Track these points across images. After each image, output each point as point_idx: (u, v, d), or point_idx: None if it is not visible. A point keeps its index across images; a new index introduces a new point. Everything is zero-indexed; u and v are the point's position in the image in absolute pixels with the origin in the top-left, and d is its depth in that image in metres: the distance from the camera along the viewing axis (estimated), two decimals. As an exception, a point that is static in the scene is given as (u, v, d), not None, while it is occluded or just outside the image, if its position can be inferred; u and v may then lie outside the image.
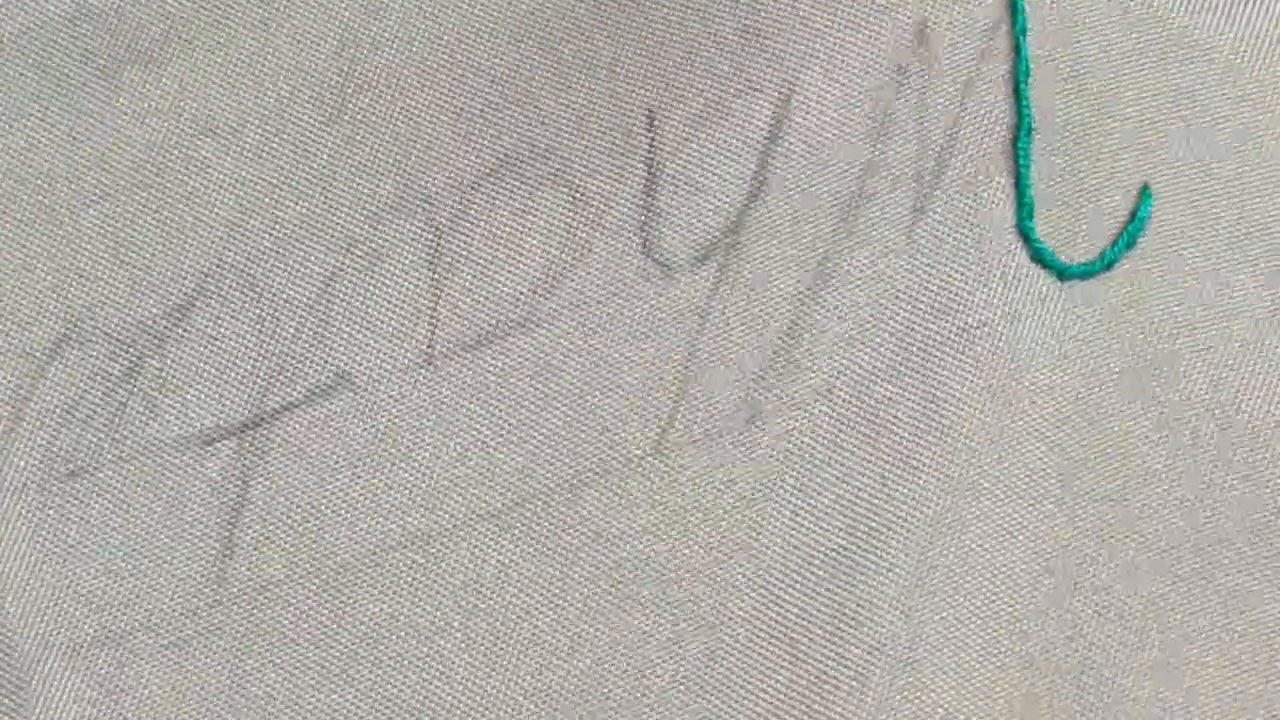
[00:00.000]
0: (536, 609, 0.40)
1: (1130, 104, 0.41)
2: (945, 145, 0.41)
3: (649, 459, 0.41)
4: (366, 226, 0.42)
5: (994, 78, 0.41)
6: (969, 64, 0.41)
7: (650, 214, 0.41)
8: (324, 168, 0.42)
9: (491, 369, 0.41)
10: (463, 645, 0.40)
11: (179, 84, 0.42)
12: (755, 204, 0.41)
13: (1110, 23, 0.41)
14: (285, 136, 0.42)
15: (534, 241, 0.41)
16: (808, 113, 0.41)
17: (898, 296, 0.41)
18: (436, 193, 0.42)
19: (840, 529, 0.40)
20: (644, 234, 0.41)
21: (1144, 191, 0.41)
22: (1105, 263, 0.41)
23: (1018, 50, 0.41)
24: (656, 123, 0.42)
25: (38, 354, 0.41)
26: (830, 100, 0.41)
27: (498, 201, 0.42)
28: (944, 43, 0.41)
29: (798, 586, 0.40)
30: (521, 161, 0.42)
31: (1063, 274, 0.41)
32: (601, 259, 0.41)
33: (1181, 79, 0.42)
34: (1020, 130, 0.41)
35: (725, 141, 0.41)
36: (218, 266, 0.42)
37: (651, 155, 0.42)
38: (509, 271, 0.41)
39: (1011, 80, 0.41)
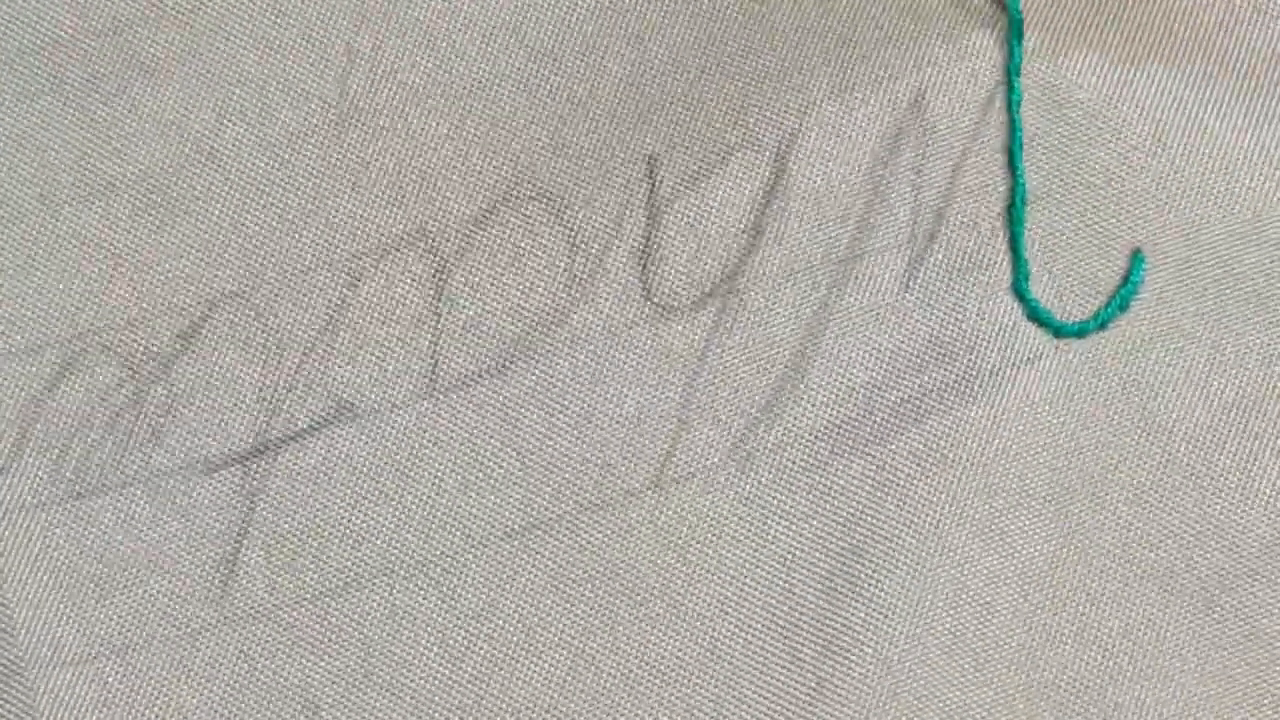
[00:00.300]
0: (535, 633, 0.41)
1: (1123, 175, 0.43)
2: (940, 209, 0.43)
3: (647, 492, 0.42)
4: (370, 260, 0.43)
5: (989, 147, 0.43)
6: (964, 133, 0.43)
7: (650, 259, 0.43)
8: (327, 200, 0.43)
9: (492, 402, 0.42)
10: (463, 667, 0.41)
11: (183, 106, 0.43)
12: (753, 253, 0.43)
13: (1101, 99, 0.43)
14: (289, 165, 0.43)
15: (535, 280, 0.43)
16: (805, 170, 0.43)
17: (893, 346, 0.42)
18: (440, 229, 0.43)
19: (835, 560, 0.41)
20: (644, 278, 0.43)
21: (1136, 256, 0.42)
22: (1099, 323, 0.42)
23: (1012, 121, 0.43)
24: (656, 170, 0.43)
25: (45, 376, 0.42)
26: (827, 159, 0.43)
27: (500, 239, 0.43)
28: (940, 111, 0.43)
29: (792, 620, 0.41)
30: (523, 201, 0.43)
31: (1059, 332, 0.42)
32: (602, 300, 0.42)
33: (1173, 152, 0.43)
34: (1015, 197, 0.43)
35: (724, 192, 0.43)
36: (225, 294, 0.43)
37: (652, 201, 0.43)
38: (511, 308, 0.42)
39: (1006, 150, 0.43)
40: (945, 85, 0.43)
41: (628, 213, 0.43)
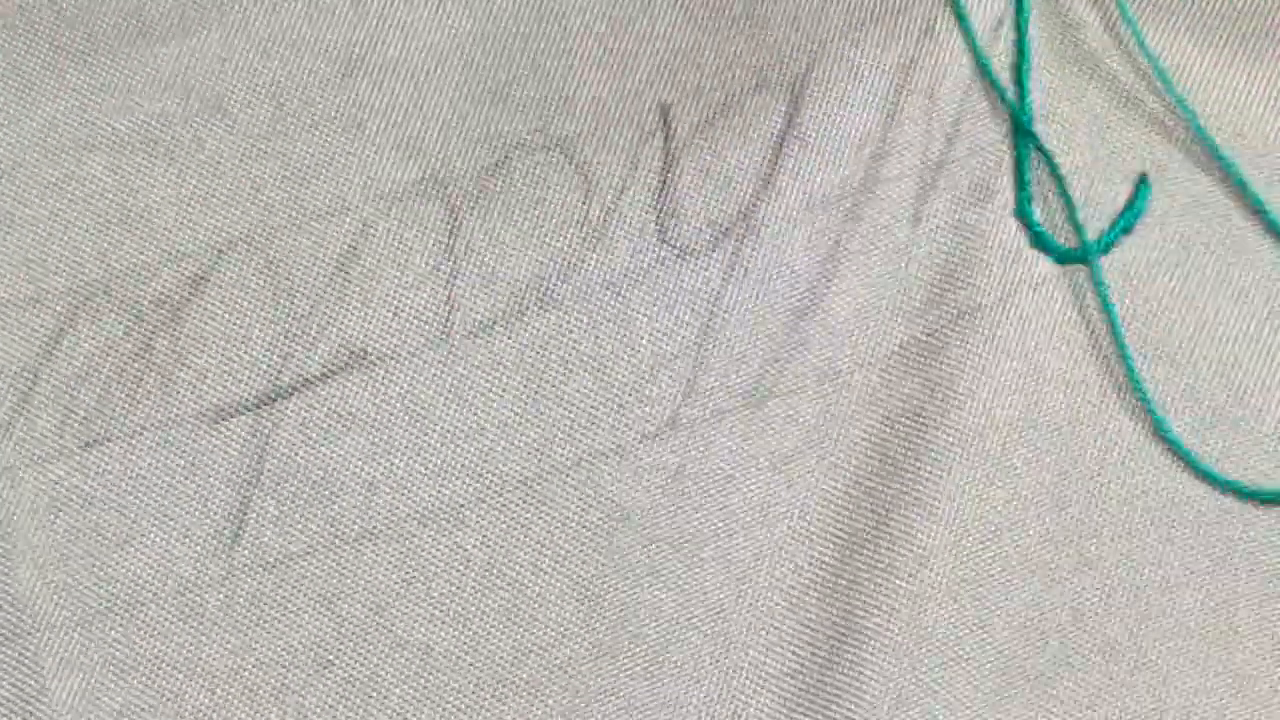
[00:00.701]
0: (550, 581, 0.41)
1: (1131, 100, 0.43)
2: (949, 135, 0.42)
3: (663, 434, 0.41)
4: (381, 207, 0.42)
5: (997, 67, 0.42)
6: (973, 58, 0.43)
7: (665, 202, 0.42)
8: (337, 149, 0.42)
9: (507, 349, 0.41)
10: (475, 617, 0.40)
11: (191, 58, 0.43)
12: (768, 192, 0.42)
13: (1112, 23, 0.43)
14: (298, 115, 0.42)
15: (550, 226, 0.42)
16: (819, 107, 0.42)
17: (903, 280, 0.42)
18: (452, 175, 0.42)
19: (848, 505, 0.41)
20: (659, 221, 0.42)
21: (1142, 180, 0.42)
22: (1103, 246, 0.42)
23: (1021, 46, 0.43)
24: (671, 118, 0.43)
25: (51, 327, 0.41)
26: (841, 95, 0.42)
27: (513, 186, 0.42)
28: (950, 38, 0.43)
29: (807, 560, 0.41)
30: (536, 148, 0.42)
31: (1063, 258, 0.42)
32: (617, 244, 0.42)
33: (1183, 80, 0.43)
34: (1021, 120, 0.42)
35: (739, 135, 0.42)
36: (233, 241, 0.42)
37: (667, 147, 0.42)
38: (525, 254, 0.42)
39: (1014, 69, 0.42)
40: (954, 13, 0.43)
41: (642, 158, 0.42)
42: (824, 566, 0.41)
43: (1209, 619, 0.41)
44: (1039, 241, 0.42)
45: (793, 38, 0.43)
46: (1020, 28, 0.43)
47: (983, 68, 0.42)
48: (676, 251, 0.42)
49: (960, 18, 0.42)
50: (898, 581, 0.40)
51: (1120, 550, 0.41)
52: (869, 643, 0.40)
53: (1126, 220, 0.42)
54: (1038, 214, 0.42)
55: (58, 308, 0.41)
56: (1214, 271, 0.42)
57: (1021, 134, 0.42)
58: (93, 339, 0.41)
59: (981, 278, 0.42)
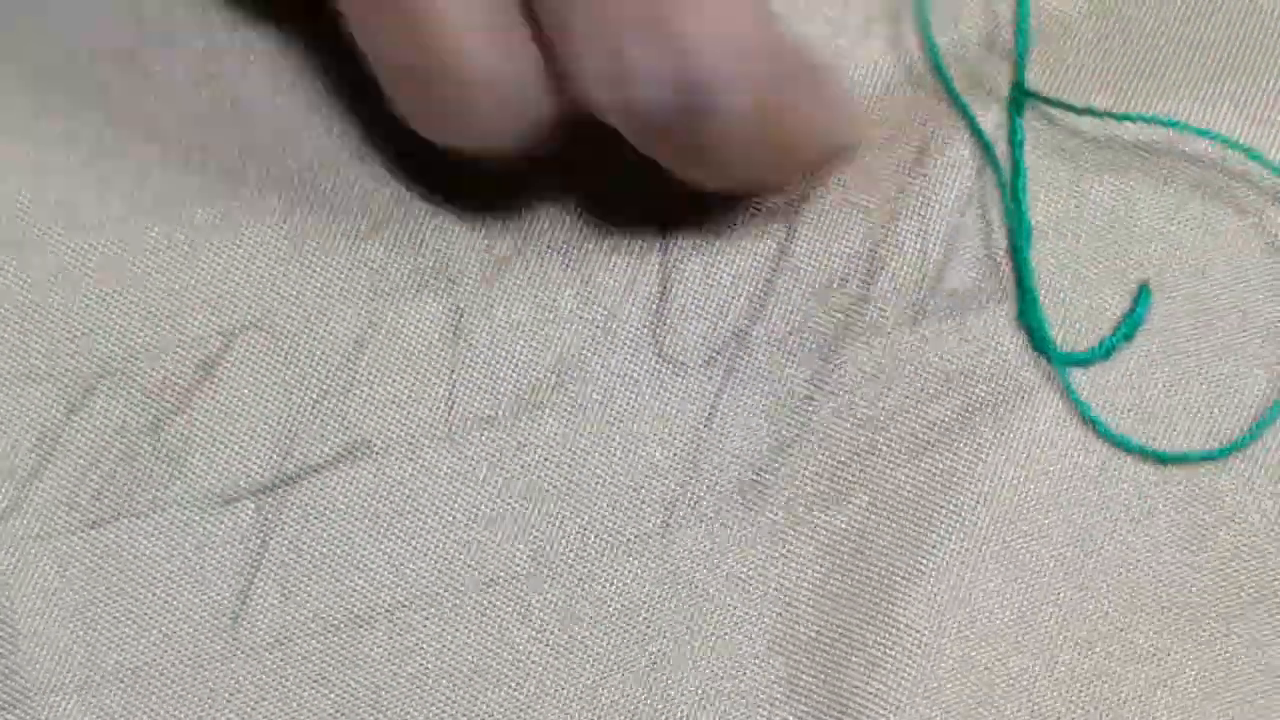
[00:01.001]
0: (545, 674, 0.42)
1: (1130, 210, 0.44)
2: (946, 252, 0.44)
3: (656, 537, 0.42)
4: (389, 299, 0.43)
5: (990, 189, 0.44)
6: (968, 179, 0.44)
7: (662, 318, 0.44)
8: (349, 235, 0.44)
9: (506, 445, 0.43)
10: (471, 705, 0.41)
11: (203, 136, 0.44)
12: (763, 312, 0.44)
13: (1103, 137, 0.45)
14: (310, 199, 0.44)
15: (552, 328, 0.43)
16: (814, 230, 0.44)
17: (902, 383, 0.43)
18: (459, 271, 0.44)
19: (843, 599, 0.42)
20: (655, 335, 0.43)
21: (1143, 289, 0.44)
22: (1103, 351, 0.43)
23: (1016, 163, 0.44)
24: (669, 232, 0.44)
25: (63, 403, 0.42)
26: (836, 218, 0.44)
27: (518, 286, 0.44)
28: (943, 162, 0.44)
29: (805, 659, 0.42)
30: (540, 252, 0.44)
31: (1064, 361, 0.43)
32: (614, 353, 0.43)
33: (1179, 182, 0.45)
34: (1021, 234, 0.44)
35: (736, 256, 0.44)
36: (243, 326, 0.43)
37: (664, 260, 0.44)
38: (525, 355, 0.43)
39: (1009, 189, 0.44)
40: (947, 139, 0.44)
41: (642, 270, 0.44)
42: (819, 663, 0.42)
43: (1211, 700, 0.42)
44: (1040, 346, 0.43)
45: None
46: (1015, 148, 0.44)
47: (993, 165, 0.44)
48: (672, 365, 0.43)
49: (969, 118, 0.44)
50: (898, 670, 0.42)
51: (1124, 646, 0.42)
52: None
53: (1128, 328, 0.43)
54: (1038, 322, 0.43)
55: (73, 384, 0.43)
56: (1215, 375, 0.44)
57: (1022, 245, 0.44)
58: (105, 418, 0.42)
59: (981, 381, 0.43)
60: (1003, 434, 0.43)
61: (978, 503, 0.42)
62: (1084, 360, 0.43)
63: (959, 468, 0.43)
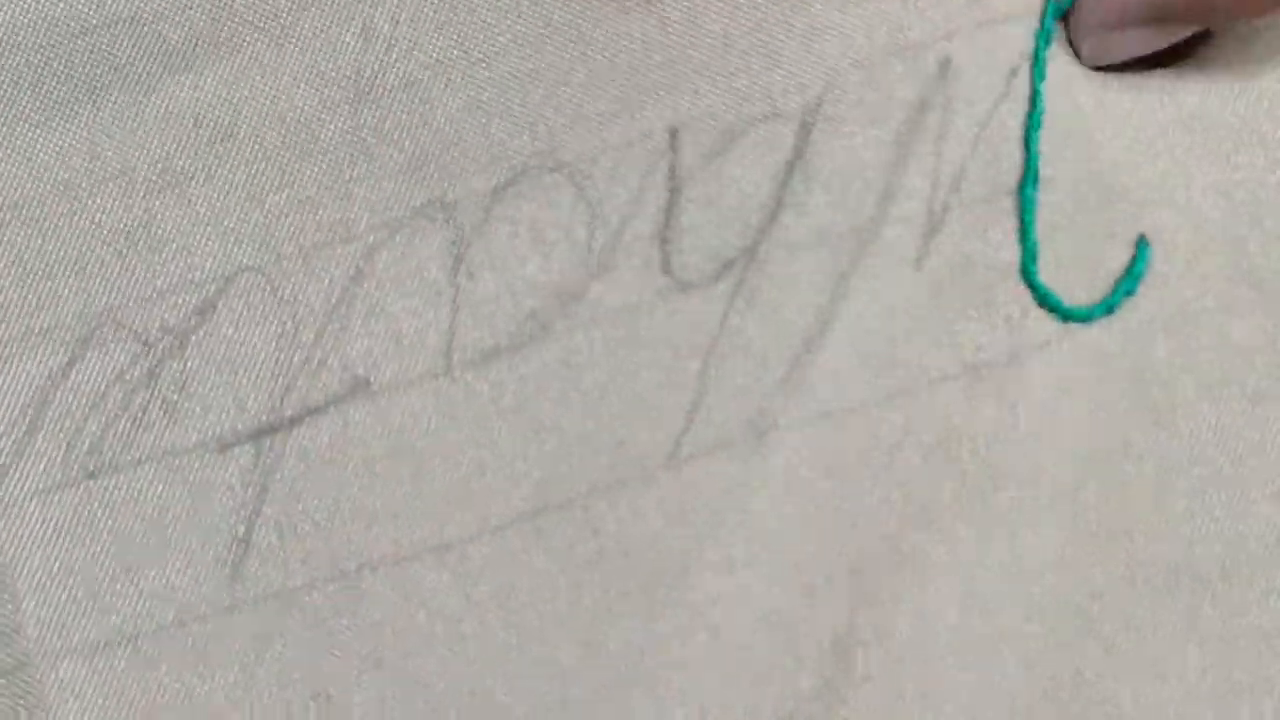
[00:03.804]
0: (547, 617, 0.40)
1: (1135, 162, 0.42)
2: (954, 183, 0.41)
3: (662, 470, 0.41)
4: (386, 233, 0.42)
5: (1007, 122, 0.42)
6: (986, 105, 0.42)
7: (670, 232, 0.42)
8: (344, 174, 0.42)
9: (508, 380, 0.41)
10: (474, 652, 0.40)
11: (200, 89, 0.43)
12: (773, 225, 0.41)
13: (1115, 88, 0.42)
14: (305, 143, 0.42)
15: (554, 254, 0.42)
16: (828, 140, 0.42)
17: (907, 327, 0.41)
18: (457, 201, 0.42)
19: (845, 545, 0.40)
20: (664, 251, 0.42)
21: (1141, 242, 0.41)
22: (1106, 308, 0.41)
23: (1034, 99, 0.42)
24: (678, 141, 0.42)
25: (59, 355, 0.42)
26: (851, 129, 0.42)
27: (518, 213, 0.42)
28: (965, 81, 0.42)
29: (802, 602, 0.40)
30: (542, 172, 0.42)
31: (1066, 317, 0.41)
32: (621, 275, 0.41)
33: (1183, 143, 0.42)
34: (1026, 178, 0.41)
35: (747, 163, 0.42)
36: (240, 269, 0.42)
37: (674, 174, 0.42)
38: (529, 282, 0.42)
39: (1023, 125, 0.42)
40: (971, 55, 0.42)
41: (649, 186, 0.42)
42: (821, 613, 0.40)
43: (1213, 680, 0.40)
44: (1043, 301, 0.41)
45: (806, 64, 0.42)
46: (1035, 82, 0.42)
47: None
48: (680, 284, 0.41)
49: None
50: (898, 634, 0.40)
51: (1123, 614, 0.40)
52: (867, 686, 0.40)
53: (1129, 283, 0.41)
54: (1044, 272, 0.41)
55: (68, 338, 0.42)
56: (1215, 329, 0.41)
57: (1026, 192, 0.41)
58: (100, 368, 0.42)
59: (986, 334, 0.41)
60: (1003, 392, 0.41)
61: (975, 459, 0.41)
62: (1087, 316, 0.41)
63: (960, 422, 0.41)
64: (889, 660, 0.40)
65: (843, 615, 0.40)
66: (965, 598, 0.40)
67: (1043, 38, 0.42)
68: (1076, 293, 0.41)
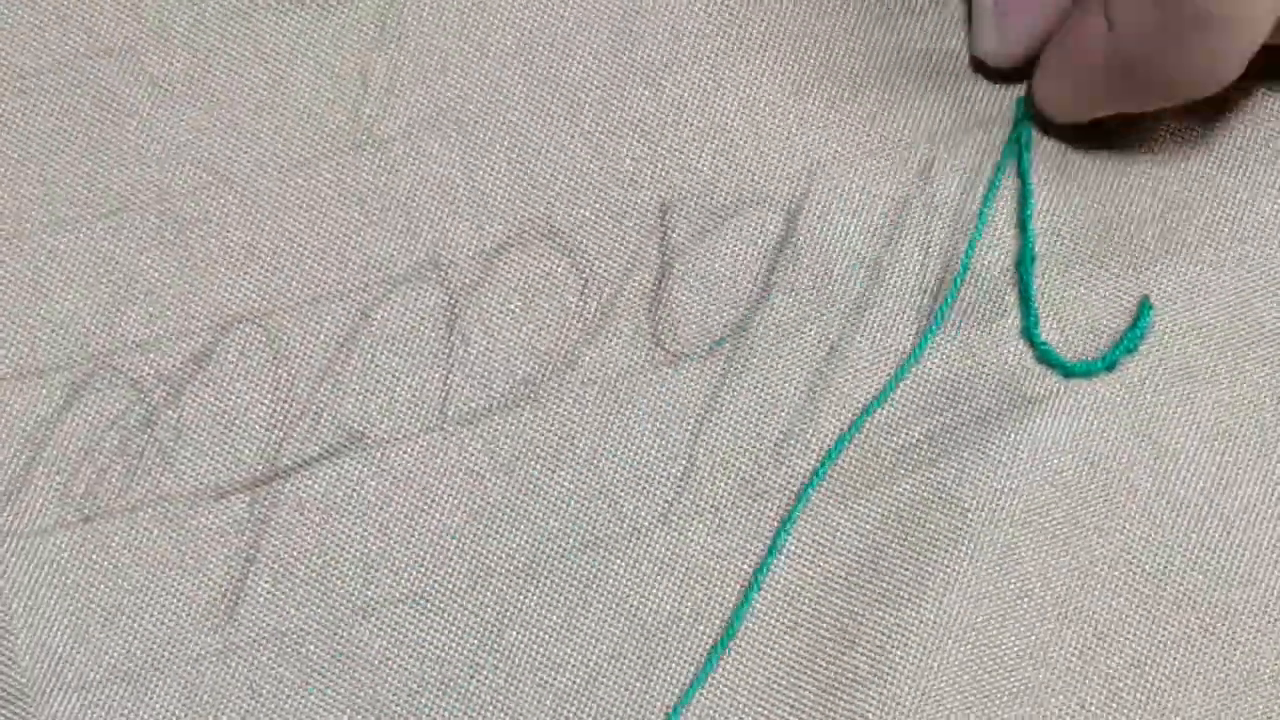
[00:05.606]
0: (541, 668, 0.42)
1: (1130, 231, 0.44)
2: (948, 264, 0.43)
3: (655, 529, 0.42)
4: (381, 291, 0.43)
5: (998, 206, 0.44)
6: (973, 200, 0.44)
7: (660, 305, 0.43)
8: (341, 225, 0.43)
9: (502, 438, 0.42)
10: (468, 700, 0.41)
11: (194, 129, 0.43)
12: (763, 304, 0.43)
13: (1108, 163, 0.44)
14: (303, 191, 0.43)
15: (546, 319, 0.43)
16: (815, 228, 0.44)
17: (903, 389, 0.43)
18: (452, 261, 0.43)
19: (841, 600, 0.42)
20: (654, 323, 0.43)
21: (1144, 304, 0.43)
22: (1107, 363, 0.43)
23: (1024, 185, 0.44)
24: (669, 218, 0.43)
25: (56, 399, 0.42)
26: (837, 220, 0.44)
27: (512, 276, 0.43)
28: (948, 181, 0.44)
29: (797, 660, 0.42)
30: (536, 238, 0.43)
31: (1068, 373, 0.43)
32: (612, 343, 0.43)
33: (1181, 201, 0.44)
34: (1025, 255, 0.43)
35: (736, 244, 0.43)
36: (236, 320, 0.43)
37: (664, 248, 0.43)
38: (521, 345, 0.43)
39: (1014, 210, 0.44)
40: (953, 157, 0.44)
41: (640, 259, 0.43)
42: (818, 662, 0.42)
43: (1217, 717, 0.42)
44: (1045, 358, 0.43)
45: (792, 155, 0.44)
46: (1022, 172, 0.44)
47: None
48: (670, 356, 0.43)
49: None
50: (898, 673, 0.42)
51: (1126, 654, 0.42)
52: None
53: (1130, 340, 0.43)
54: (1045, 334, 0.43)
55: (65, 379, 0.42)
56: (1217, 384, 0.43)
57: (1026, 263, 0.43)
58: (97, 412, 0.42)
59: (986, 391, 0.43)
60: (1006, 446, 0.43)
61: (976, 512, 0.42)
62: (1088, 372, 0.43)
63: (961, 478, 0.42)
64: (889, 705, 0.41)
65: (841, 666, 0.42)
66: (966, 642, 0.42)
67: (1025, 132, 0.44)
68: (1079, 353, 0.43)
